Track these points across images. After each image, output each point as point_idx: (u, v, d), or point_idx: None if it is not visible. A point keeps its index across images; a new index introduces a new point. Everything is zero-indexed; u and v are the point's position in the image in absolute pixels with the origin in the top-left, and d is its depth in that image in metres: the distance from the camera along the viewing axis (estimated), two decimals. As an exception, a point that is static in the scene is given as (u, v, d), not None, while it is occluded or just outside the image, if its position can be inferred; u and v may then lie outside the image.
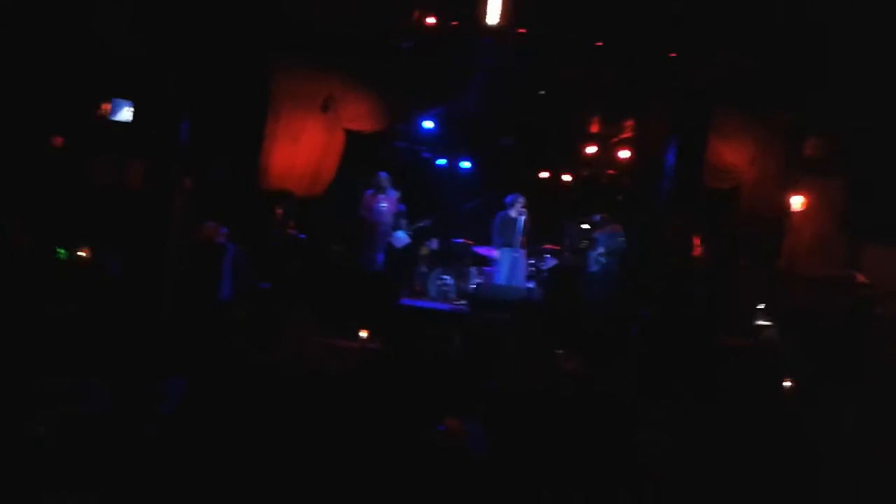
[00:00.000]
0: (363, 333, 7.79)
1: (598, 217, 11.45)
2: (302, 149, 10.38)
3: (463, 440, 4.67)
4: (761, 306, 9.68)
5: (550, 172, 13.25)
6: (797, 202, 10.68)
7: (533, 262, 11.57)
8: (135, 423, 4.74)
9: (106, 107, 9.59)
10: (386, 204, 10.82)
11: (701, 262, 10.08)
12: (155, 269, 7.94)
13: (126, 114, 9.63)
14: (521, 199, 10.91)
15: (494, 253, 11.01)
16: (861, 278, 9.63)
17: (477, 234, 11.76)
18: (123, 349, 5.89)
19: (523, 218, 10.79)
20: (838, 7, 8.85)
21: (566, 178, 13.36)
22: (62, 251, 7.88)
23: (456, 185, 12.94)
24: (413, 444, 4.23)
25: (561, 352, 7.03)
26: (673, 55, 9.46)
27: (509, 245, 10.83)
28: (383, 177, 10.85)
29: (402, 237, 11.42)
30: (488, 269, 11.44)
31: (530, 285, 11.21)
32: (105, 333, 6.21)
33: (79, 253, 8.03)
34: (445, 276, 11.55)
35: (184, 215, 8.61)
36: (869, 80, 9.23)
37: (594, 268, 10.89)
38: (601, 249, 10.79)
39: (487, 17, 7.53)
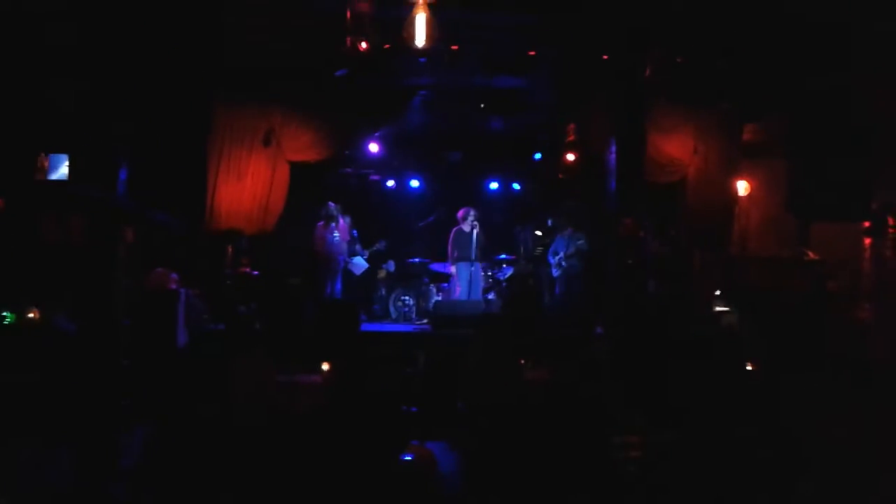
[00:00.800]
0: (325, 366, 7.69)
1: (550, 222, 11.52)
2: (248, 186, 10.31)
3: (432, 466, 4.62)
4: (718, 293, 9.80)
5: (500, 182, 13.31)
6: (742, 187, 10.89)
7: (490, 273, 11.61)
8: (98, 487, 4.64)
9: (44, 164, 9.42)
10: (338, 233, 10.77)
11: (655, 258, 10.16)
12: (106, 324, 7.79)
13: (64, 170, 9.47)
14: (473, 213, 10.97)
15: (451, 269, 11.02)
16: (812, 255, 9.78)
17: (432, 251, 11.77)
18: (83, 409, 5.77)
19: (476, 231, 10.83)
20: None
21: (516, 186, 13.42)
22: (10, 315, 7.70)
23: (407, 204, 12.96)
24: (381, 477, 4.18)
25: (524, 362, 7.01)
26: (605, 57, 9.54)
27: (465, 259, 10.86)
28: (332, 206, 10.81)
29: (360, 263, 11.38)
30: (446, 285, 11.45)
31: (490, 297, 11.23)
32: (63, 395, 6.08)
33: (28, 315, 7.85)
34: (405, 297, 11.53)
35: (129, 266, 8.47)
36: (797, 59, 9.41)
37: (556, 272, 10.94)
38: (562, 254, 10.84)
39: (416, 39, 7.56)
